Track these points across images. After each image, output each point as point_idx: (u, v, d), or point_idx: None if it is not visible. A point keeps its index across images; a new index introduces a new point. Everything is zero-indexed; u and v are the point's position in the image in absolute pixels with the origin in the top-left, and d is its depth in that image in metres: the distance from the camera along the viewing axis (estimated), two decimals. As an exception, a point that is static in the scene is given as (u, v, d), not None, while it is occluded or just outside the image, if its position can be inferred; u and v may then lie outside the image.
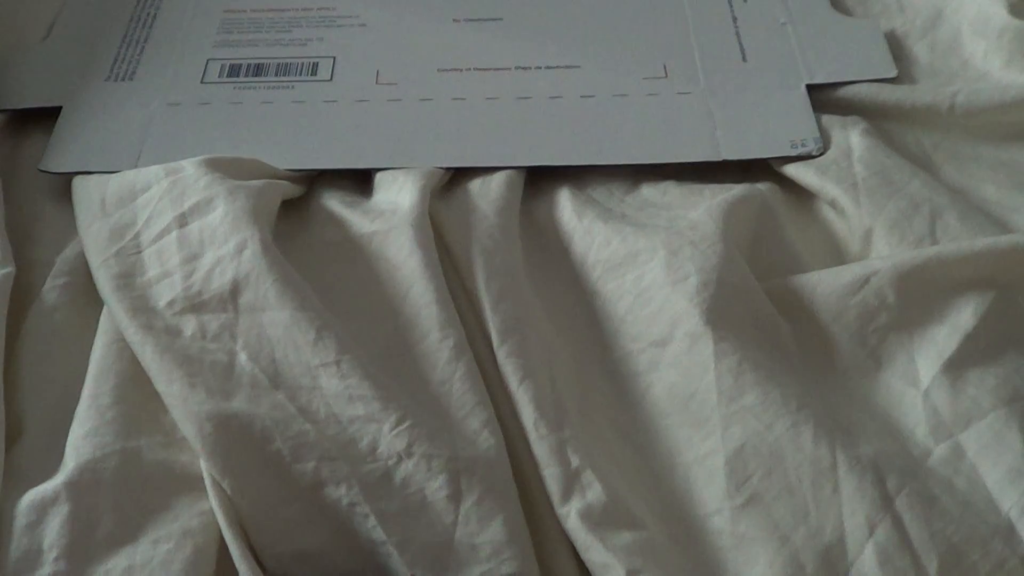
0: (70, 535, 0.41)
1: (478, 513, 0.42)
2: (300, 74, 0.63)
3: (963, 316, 0.47)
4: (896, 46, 0.63)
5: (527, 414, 0.45)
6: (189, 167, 0.53)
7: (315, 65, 0.63)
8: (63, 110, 0.60)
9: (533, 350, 0.47)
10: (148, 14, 0.67)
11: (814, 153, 0.56)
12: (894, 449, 0.44)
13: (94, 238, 0.51)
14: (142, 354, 0.46)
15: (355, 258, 0.52)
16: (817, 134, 0.57)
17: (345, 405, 0.44)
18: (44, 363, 0.48)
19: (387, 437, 0.43)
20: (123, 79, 0.62)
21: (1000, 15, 0.62)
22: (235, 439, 0.43)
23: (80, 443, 0.44)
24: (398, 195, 0.54)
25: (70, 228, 0.54)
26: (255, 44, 0.65)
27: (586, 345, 0.50)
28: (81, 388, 0.46)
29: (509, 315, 0.48)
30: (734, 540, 0.42)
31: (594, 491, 0.43)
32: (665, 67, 0.62)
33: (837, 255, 0.53)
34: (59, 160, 0.57)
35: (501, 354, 0.47)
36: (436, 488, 0.42)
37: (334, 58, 0.64)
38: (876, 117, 0.59)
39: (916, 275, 0.48)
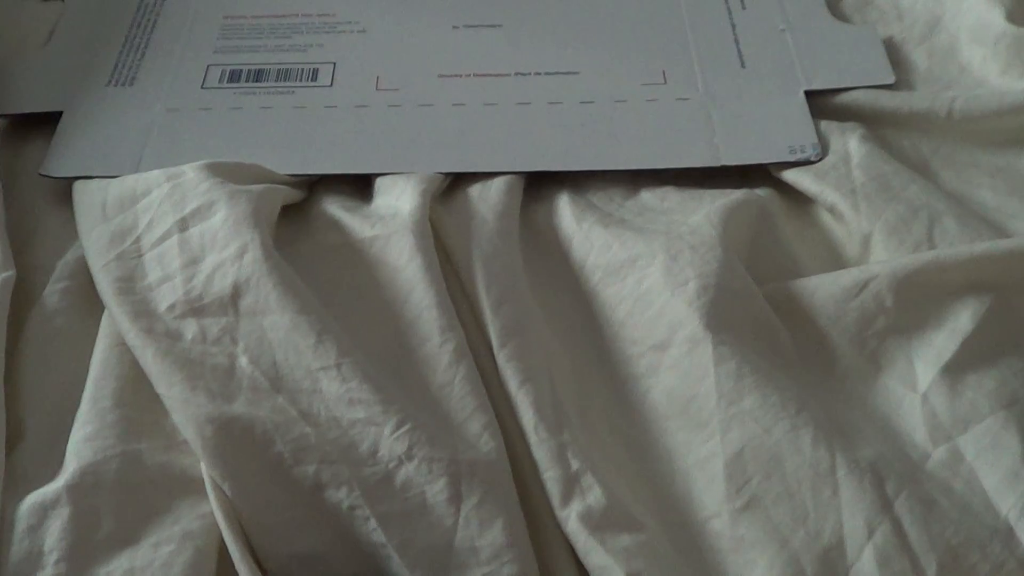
0: (71, 537, 0.41)
1: (478, 516, 0.42)
2: (300, 80, 0.63)
3: (961, 320, 0.47)
4: (894, 53, 0.64)
5: (527, 417, 0.45)
6: (190, 172, 0.53)
7: (315, 71, 0.63)
8: (64, 115, 0.60)
9: (533, 354, 0.48)
10: (149, 20, 0.67)
11: (813, 159, 0.57)
12: (893, 452, 0.44)
13: (95, 242, 0.51)
14: (143, 358, 0.46)
15: (355, 262, 0.52)
16: (815, 140, 0.57)
17: (346, 408, 0.44)
18: (45, 367, 0.48)
19: (388, 440, 0.43)
20: (124, 84, 0.62)
21: (998, 22, 0.62)
22: (236, 442, 0.43)
23: (81, 446, 0.44)
24: (398, 200, 0.54)
25: (71, 232, 0.54)
26: (255, 50, 0.65)
27: (586, 349, 0.50)
28: (82, 392, 0.47)
29: (509, 319, 0.48)
30: (733, 543, 0.43)
31: (594, 494, 0.43)
32: (664, 73, 0.63)
33: (836, 260, 0.53)
34: (60, 164, 0.57)
35: (501, 358, 0.47)
36: (437, 491, 0.42)
37: (334, 64, 0.64)
38: (874, 123, 0.59)
39: (914, 279, 0.48)
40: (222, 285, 0.48)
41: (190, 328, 0.47)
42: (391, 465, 0.43)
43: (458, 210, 0.54)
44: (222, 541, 0.42)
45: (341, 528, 0.43)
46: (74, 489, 0.42)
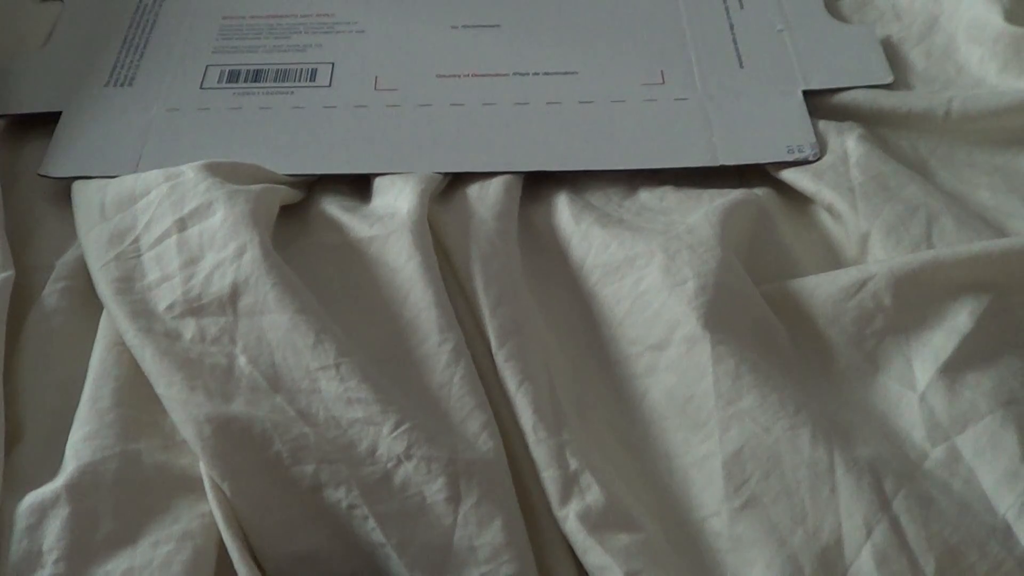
0: (70, 537, 0.41)
1: (477, 515, 0.42)
2: (299, 80, 0.63)
3: (959, 319, 0.47)
4: (892, 52, 0.64)
5: (526, 417, 0.45)
6: (189, 172, 0.53)
7: (314, 71, 0.64)
8: (63, 115, 0.60)
9: (532, 353, 0.48)
10: (147, 20, 0.67)
11: (811, 158, 0.57)
12: (891, 451, 0.44)
13: (94, 242, 0.52)
14: (142, 357, 0.46)
15: (354, 262, 0.52)
16: (814, 139, 0.58)
17: (344, 408, 0.44)
18: (44, 366, 0.48)
19: (386, 440, 0.43)
20: (122, 85, 0.63)
21: (995, 21, 0.62)
22: (235, 442, 0.43)
23: (80, 446, 0.44)
24: (397, 200, 0.54)
25: (70, 232, 0.54)
26: (254, 50, 0.65)
27: (584, 348, 0.50)
28: (81, 391, 0.47)
29: (508, 319, 0.49)
30: (732, 542, 0.43)
31: (592, 493, 0.43)
32: (662, 73, 0.63)
33: (834, 259, 0.53)
34: (59, 165, 0.57)
35: (500, 357, 0.47)
36: (435, 490, 0.42)
37: (333, 64, 0.64)
38: (872, 123, 0.59)
39: (912, 279, 0.48)
40: (221, 285, 0.48)
41: (189, 328, 0.47)
42: (390, 464, 0.43)
43: (457, 210, 0.54)
44: (221, 540, 0.42)
45: (340, 527, 0.43)
46: (73, 489, 0.42)
